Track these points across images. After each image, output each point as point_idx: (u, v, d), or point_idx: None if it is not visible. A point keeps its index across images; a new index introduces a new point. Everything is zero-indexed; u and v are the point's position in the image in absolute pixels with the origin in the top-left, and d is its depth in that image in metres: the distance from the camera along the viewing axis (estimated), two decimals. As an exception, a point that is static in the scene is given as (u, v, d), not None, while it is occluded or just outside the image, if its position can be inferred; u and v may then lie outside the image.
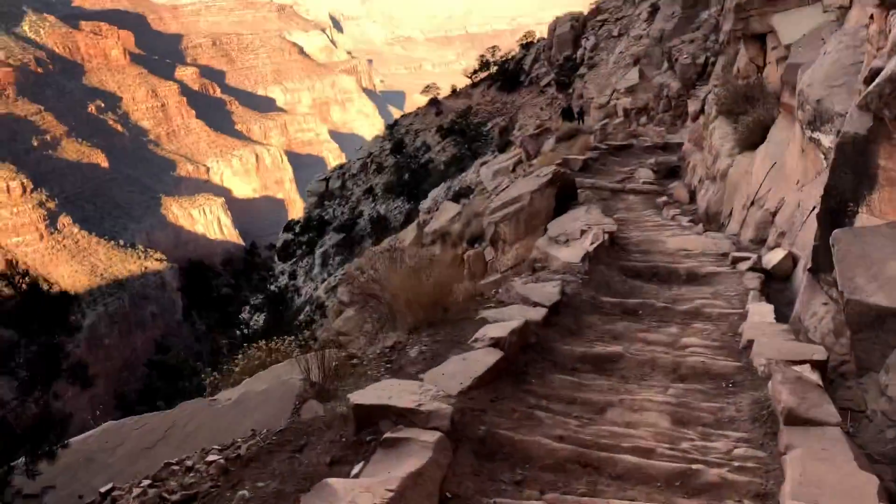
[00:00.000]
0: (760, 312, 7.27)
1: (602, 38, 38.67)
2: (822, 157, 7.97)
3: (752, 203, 11.10)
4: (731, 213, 12.52)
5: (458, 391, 5.10)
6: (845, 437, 4.37)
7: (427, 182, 47.66)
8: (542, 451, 4.68)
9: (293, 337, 9.46)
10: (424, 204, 40.35)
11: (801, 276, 7.75)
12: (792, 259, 8.81)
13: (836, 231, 5.84)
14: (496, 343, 5.99)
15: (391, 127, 60.12)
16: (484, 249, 15.49)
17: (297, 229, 56.14)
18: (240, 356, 8.73)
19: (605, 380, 6.05)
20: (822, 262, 6.15)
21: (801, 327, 6.42)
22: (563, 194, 14.10)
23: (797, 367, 5.24)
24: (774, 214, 10.17)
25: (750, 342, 6.32)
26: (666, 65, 28.56)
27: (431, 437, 4.46)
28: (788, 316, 7.05)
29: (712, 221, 13.35)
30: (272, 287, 50.59)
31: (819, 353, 5.49)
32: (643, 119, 29.71)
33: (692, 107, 23.20)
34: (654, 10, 32.01)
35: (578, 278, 8.64)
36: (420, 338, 6.86)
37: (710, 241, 11.04)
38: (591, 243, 9.77)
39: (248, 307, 56.52)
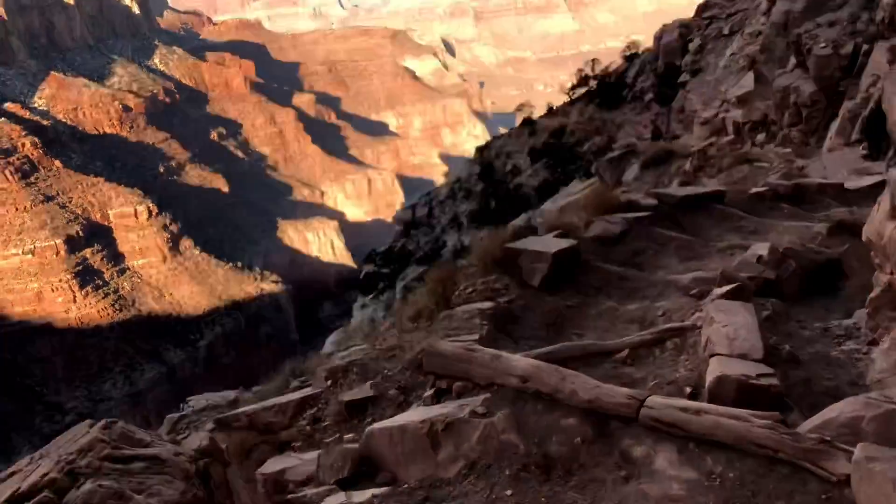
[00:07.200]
0: None
1: (710, 38, 31.90)
2: None
3: None
4: None
5: None
6: None
7: (513, 210, 42.93)
8: None
9: None
10: (502, 237, 35.30)
11: None
12: None
13: None
14: None
15: (481, 150, 55.52)
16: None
17: (379, 260, 52.73)
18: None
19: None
20: None
21: None
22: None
23: None
24: None
25: None
26: (793, 60, 21.52)
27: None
28: None
29: None
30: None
31: None
32: (761, 136, 23.36)
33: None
34: None
35: None
36: None
37: None
38: None
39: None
